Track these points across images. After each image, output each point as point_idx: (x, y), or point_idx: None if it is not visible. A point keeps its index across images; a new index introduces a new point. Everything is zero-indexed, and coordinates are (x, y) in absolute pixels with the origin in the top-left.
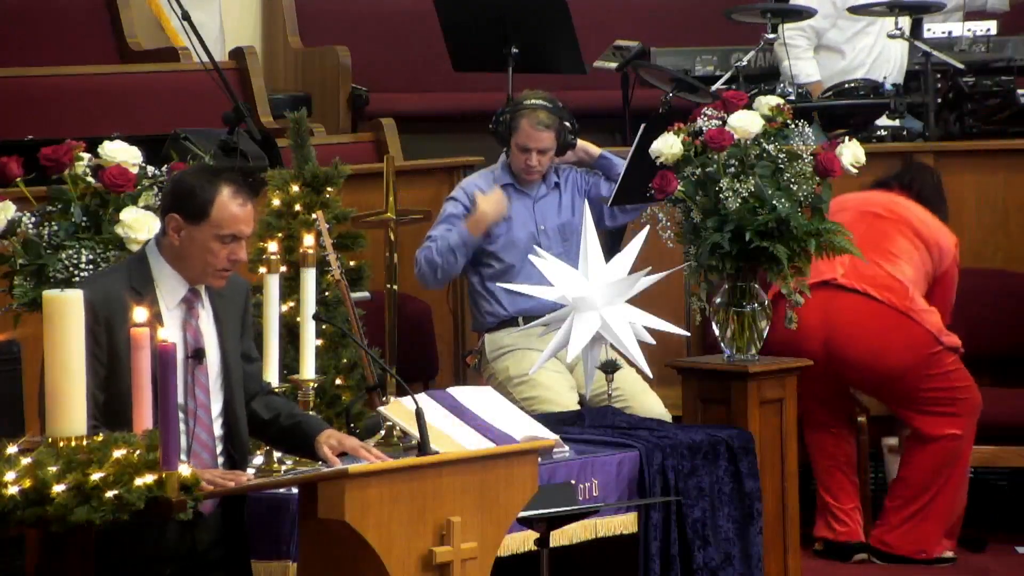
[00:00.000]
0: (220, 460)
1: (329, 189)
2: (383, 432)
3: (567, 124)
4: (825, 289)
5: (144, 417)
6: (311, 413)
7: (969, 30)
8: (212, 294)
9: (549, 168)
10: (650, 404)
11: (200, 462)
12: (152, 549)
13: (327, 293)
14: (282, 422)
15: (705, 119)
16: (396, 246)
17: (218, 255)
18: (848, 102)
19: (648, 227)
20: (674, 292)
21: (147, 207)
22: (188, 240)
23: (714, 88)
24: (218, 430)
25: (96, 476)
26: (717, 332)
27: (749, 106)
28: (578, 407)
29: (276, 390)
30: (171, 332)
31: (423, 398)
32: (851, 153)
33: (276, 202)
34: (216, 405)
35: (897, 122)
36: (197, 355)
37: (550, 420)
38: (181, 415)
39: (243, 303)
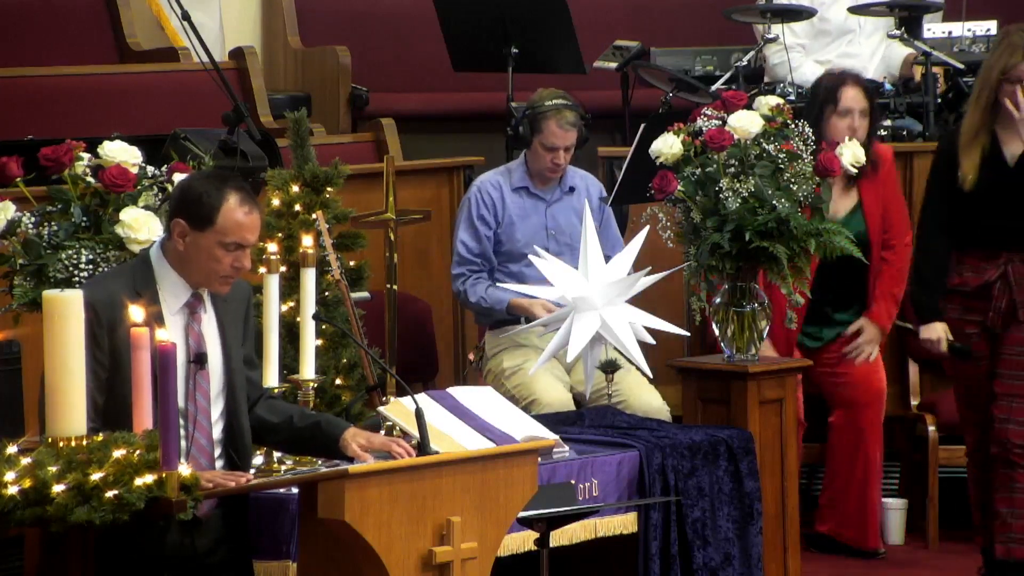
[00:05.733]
0: (219, 464)
1: (329, 189)
2: (383, 432)
3: (584, 119)
4: None
5: (144, 417)
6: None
7: (969, 30)
8: (215, 298)
9: (566, 169)
10: (647, 399)
11: (198, 466)
12: (153, 551)
13: (327, 293)
14: (296, 423)
15: (705, 119)
16: (396, 246)
17: (222, 262)
18: None
19: (648, 227)
20: (674, 292)
21: (147, 207)
22: (193, 246)
23: (714, 88)
24: (217, 434)
25: (96, 476)
26: (717, 332)
27: (749, 106)
28: (568, 397)
29: (276, 391)
30: (173, 336)
31: (423, 398)
32: (851, 153)
33: (276, 202)
34: (216, 409)
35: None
36: (199, 360)
37: (550, 420)
38: (181, 420)
39: (245, 308)
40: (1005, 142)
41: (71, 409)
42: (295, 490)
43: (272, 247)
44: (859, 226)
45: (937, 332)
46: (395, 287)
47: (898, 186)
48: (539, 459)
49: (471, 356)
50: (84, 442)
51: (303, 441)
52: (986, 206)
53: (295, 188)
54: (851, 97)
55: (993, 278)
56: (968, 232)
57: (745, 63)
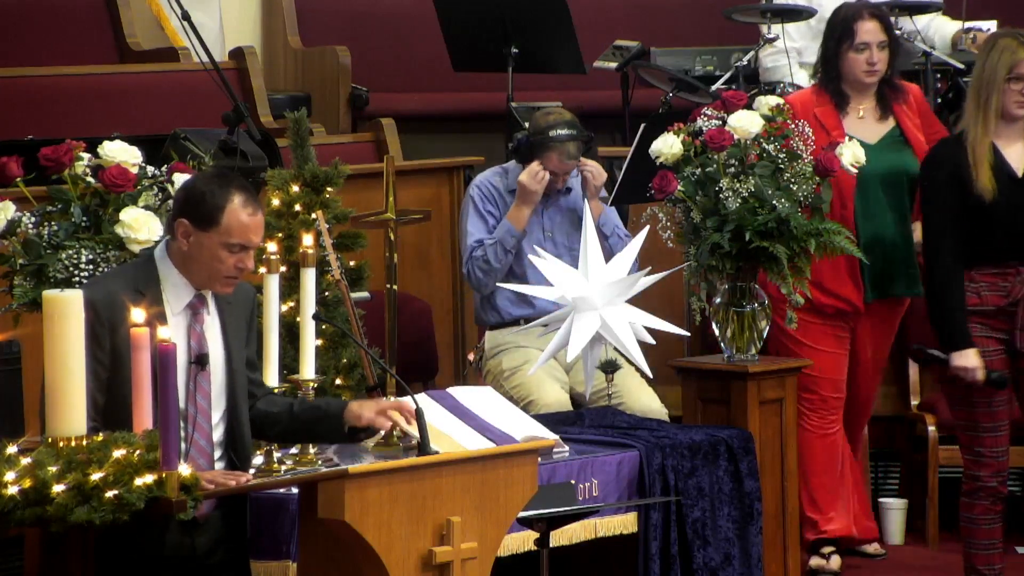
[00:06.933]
0: (219, 466)
1: (329, 189)
2: (383, 432)
3: (587, 140)
4: None
5: (144, 417)
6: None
7: (969, 30)
8: (219, 300)
9: None
10: (645, 400)
11: (197, 467)
12: (153, 551)
13: (327, 293)
14: (296, 409)
15: (705, 119)
16: (396, 246)
17: (226, 263)
18: None
19: (648, 227)
20: (674, 292)
21: (147, 207)
22: (196, 246)
23: (714, 88)
24: (218, 436)
25: (96, 476)
26: (717, 332)
27: (749, 106)
28: (566, 397)
29: (276, 391)
30: (175, 337)
31: (423, 398)
32: (851, 153)
33: (276, 202)
34: (217, 411)
35: None
36: (200, 361)
37: (550, 420)
38: (180, 421)
39: (250, 310)
40: (1007, 151)
41: (71, 409)
42: (295, 490)
43: (272, 247)
44: (904, 154)
45: (972, 360)
46: (395, 287)
47: (935, 117)
48: (539, 459)
49: (471, 356)
50: (84, 442)
51: (306, 425)
52: (1001, 220)
53: (295, 188)
54: (868, 30)
55: (1019, 296)
56: (981, 248)
57: (745, 63)
